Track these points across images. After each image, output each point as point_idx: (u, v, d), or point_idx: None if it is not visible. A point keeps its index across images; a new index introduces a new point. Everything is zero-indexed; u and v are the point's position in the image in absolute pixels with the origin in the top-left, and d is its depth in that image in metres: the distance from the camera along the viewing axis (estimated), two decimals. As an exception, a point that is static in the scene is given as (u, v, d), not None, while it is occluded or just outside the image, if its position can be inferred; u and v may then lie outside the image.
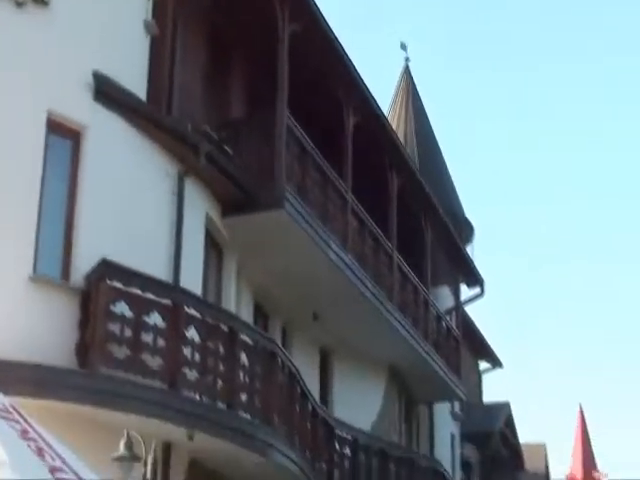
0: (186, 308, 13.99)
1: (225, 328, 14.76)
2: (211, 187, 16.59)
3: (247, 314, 18.28)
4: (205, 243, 16.52)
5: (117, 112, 14.39)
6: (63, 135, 13.85)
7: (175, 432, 13.51)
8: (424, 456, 26.52)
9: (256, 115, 19.08)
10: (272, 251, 18.43)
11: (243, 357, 15.07)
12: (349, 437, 20.83)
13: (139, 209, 14.67)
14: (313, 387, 19.61)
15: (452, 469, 30.68)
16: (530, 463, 45.67)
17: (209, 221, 16.70)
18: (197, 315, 14.18)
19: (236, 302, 17.75)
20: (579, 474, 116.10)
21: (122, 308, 13.13)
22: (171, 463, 14.31)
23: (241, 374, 14.98)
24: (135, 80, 15.04)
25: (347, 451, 20.72)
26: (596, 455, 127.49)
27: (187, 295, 14.45)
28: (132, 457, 11.58)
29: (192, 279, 15.46)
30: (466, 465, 34.42)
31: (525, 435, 44.75)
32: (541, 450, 51.82)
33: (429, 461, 25.73)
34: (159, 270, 14.51)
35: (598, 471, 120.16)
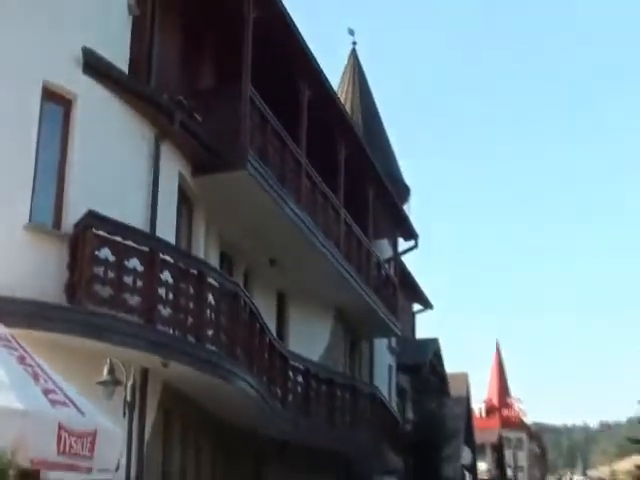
0: (161, 254, 13.94)
1: (195, 272, 14.75)
2: (183, 150, 16.47)
3: (214, 261, 18.21)
4: (178, 198, 16.40)
5: (103, 83, 14.25)
6: (56, 102, 13.69)
7: (151, 360, 13.51)
8: (365, 383, 26.72)
9: (223, 87, 18.88)
10: (236, 206, 18.35)
11: (210, 297, 15.07)
12: (301, 367, 20.93)
13: (121, 168, 14.56)
14: (271, 324, 19.63)
15: (389, 395, 30.94)
16: (454, 389, 46.27)
17: (181, 179, 16.59)
18: (170, 260, 14.15)
19: (204, 250, 17.69)
20: (495, 399, 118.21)
21: (106, 253, 13.06)
22: (148, 387, 14.33)
23: (208, 312, 14.98)
24: (119, 55, 14.87)
25: (299, 379, 20.82)
26: (510, 383, 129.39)
27: (162, 243, 14.41)
28: (114, 381, 11.59)
29: (166, 229, 15.38)
30: (401, 391, 34.75)
31: (451, 366, 45.24)
32: (464, 379, 52.49)
33: (369, 387, 25.92)
34: (138, 221, 14.42)
35: (511, 396, 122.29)
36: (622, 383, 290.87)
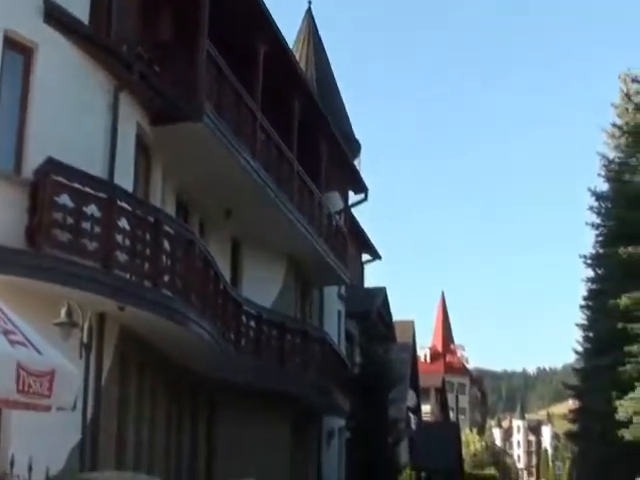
0: (119, 202, 13.83)
1: (151, 219, 14.66)
2: (142, 100, 16.24)
3: (170, 209, 18.05)
4: (136, 148, 16.20)
5: (63, 33, 13.99)
6: (17, 51, 13.43)
7: (108, 304, 13.43)
8: (315, 328, 26.79)
9: (181, 41, 18.58)
10: (193, 157, 18.17)
11: (166, 244, 14.99)
12: (254, 312, 20.97)
13: (80, 117, 14.35)
14: (225, 272, 19.63)
15: (338, 340, 31.10)
16: (401, 336, 46.70)
17: (139, 129, 16.37)
18: (128, 208, 14.05)
19: (161, 199, 17.54)
20: (439, 345, 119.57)
21: (65, 199, 12.94)
22: (105, 330, 14.27)
23: (164, 258, 14.90)
24: (80, 7, 14.59)
25: (252, 323, 20.88)
26: (454, 331, 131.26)
27: (120, 190, 14.27)
28: (71, 323, 11.51)
29: (124, 178, 15.21)
30: (349, 337, 34.93)
31: (398, 314, 45.59)
32: (410, 326, 52.98)
33: (319, 332, 26.02)
34: (96, 169, 14.25)
35: (454, 343, 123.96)
36: (558, 332, 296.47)
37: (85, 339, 11.96)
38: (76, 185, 13.10)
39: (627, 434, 23.67)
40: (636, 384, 22.62)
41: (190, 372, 18.28)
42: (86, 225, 13.13)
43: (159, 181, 17.59)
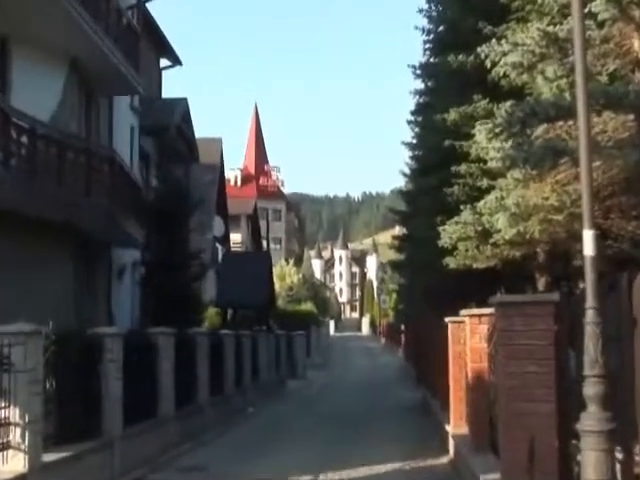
0: None
1: None
2: None
3: None
4: None
5: None
6: None
7: None
8: (102, 146, 26.33)
9: None
10: None
11: None
12: (27, 126, 20.34)
13: None
14: (-10, 76, 18.79)
15: (131, 160, 30.74)
16: (206, 156, 46.51)
17: None
18: None
19: None
20: (252, 167, 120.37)
21: None
22: None
23: None
24: None
25: (25, 140, 20.27)
26: (268, 150, 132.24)
27: None
28: None
29: None
30: (144, 156, 34.49)
31: (202, 130, 45.37)
32: (217, 144, 52.85)
33: (107, 151, 25.63)
34: None
35: (269, 164, 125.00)
36: (387, 154, 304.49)
37: None
38: None
39: (452, 262, 23.82)
40: (462, 207, 22.43)
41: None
42: None
43: None
